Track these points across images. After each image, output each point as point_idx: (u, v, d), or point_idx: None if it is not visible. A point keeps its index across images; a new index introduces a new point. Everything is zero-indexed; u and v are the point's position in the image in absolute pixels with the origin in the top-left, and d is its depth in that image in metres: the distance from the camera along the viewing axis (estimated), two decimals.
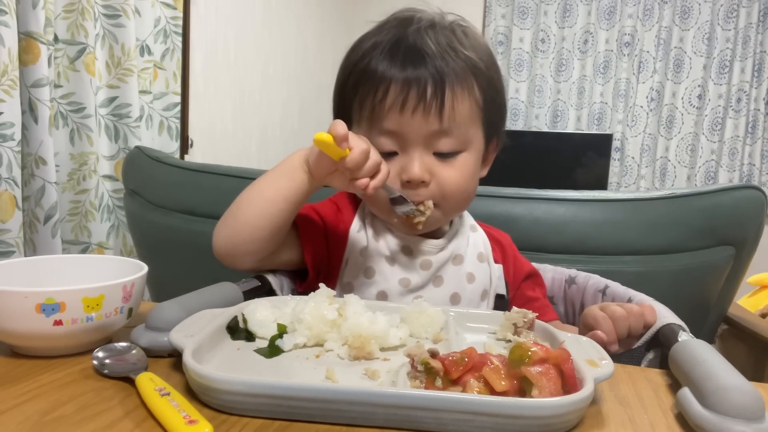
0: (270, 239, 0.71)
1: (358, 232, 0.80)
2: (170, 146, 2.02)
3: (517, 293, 0.85)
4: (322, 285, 0.64)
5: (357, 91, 0.75)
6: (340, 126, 0.62)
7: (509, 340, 0.62)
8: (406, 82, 0.70)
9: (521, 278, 0.86)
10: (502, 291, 0.82)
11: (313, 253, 0.77)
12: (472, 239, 0.83)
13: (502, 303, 0.81)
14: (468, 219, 0.86)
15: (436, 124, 0.71)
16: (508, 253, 0.87)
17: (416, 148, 0.72)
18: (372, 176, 0.66)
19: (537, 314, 0.64)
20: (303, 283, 0.79)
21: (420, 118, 0.70)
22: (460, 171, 0.74)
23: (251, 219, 0.70)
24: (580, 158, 3.25)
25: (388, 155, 0.73)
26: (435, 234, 0.80)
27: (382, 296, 0.76)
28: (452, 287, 0.78)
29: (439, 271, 0.78)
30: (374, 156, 0.65)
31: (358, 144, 0.64)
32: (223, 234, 0.72)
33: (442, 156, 0.73)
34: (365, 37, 0.77)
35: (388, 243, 0.78)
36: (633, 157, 3.44)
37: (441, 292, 0.78)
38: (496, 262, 0.83)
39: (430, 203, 0.72)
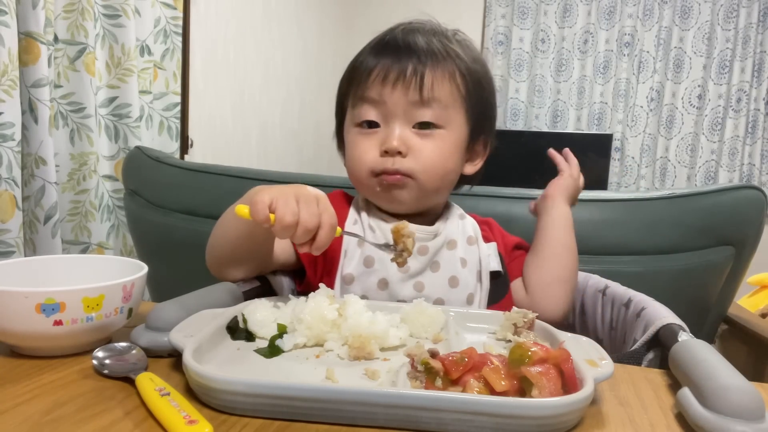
0: (253, 263, 0.74)
1: (353, 224, 0.82)
2: (170, 146, 2.02)
3: (512, 263, 0.87)
4: (322, 285, 0.65)
5: (349, 78, 0.81)
6: (261, 207, 0.58)
7: (509, 340, 0.62)
8: (390, 62, 0.77)
9: (510, 249, 0.89)
10: (497, 267, 0.83)
11: (308, 254, 0.77)
12: (461, 225, 0.85)
13: (498, 280, 0.83)
14: (456, 209, 0.88)
15: (416, 96, 0.76)
16: (495, 230, 0.90)
17: (397, 120, 0.77)
18: (313, 239, 0.61)
19: (537, 314, 0.64)
20: (302, 281, 0.80)
21: (400, 90, 0.76)
22: (436, 147, 0.77)
23: (226, 254, 0.73)
24: (580, 158, 3.21)
25: (371, 126, 0.78)
26: (428, 221, 0.82)
27: (383, 284, 0.77)
28: (449, 271, 0.79)
29: (436, 256, 0.80)
30: (306, 222, 0.59)
31: (281, 217, 0.59)
32: (209, 258, 0.75)
33: (422, 128, 0.77)
34: (364, 46, 0.83)
35: (384, 232, 0.79)
36: (633, 157, 3.44)
37: (439, 277, 0.79)
38: (487, 241, 0.86)
39: (410, 241, 0.68)
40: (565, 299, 0.81)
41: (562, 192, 0.87)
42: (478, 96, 0.80)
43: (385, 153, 0.76)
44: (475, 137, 0.82)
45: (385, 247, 0.69)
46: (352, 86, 0.80)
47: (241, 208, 0.61)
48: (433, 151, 0.77)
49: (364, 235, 0.80)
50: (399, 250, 0.68)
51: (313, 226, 0.60)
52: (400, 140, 0.76)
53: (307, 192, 0.62)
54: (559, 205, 0.85)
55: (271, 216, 0.59)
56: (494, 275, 0.83)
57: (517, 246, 0.89)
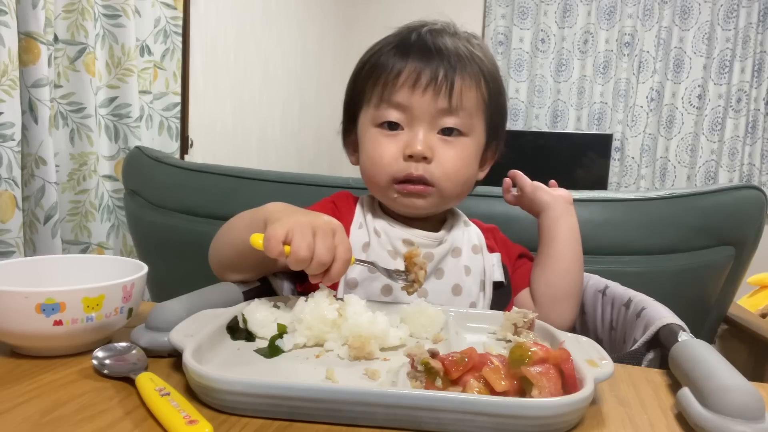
0: (256, 270, 0.74)
1: (359, 228, 0.81)
2: (170, 146, 2.02)
3: (516, 272, 0.87)
4: (322, 285, 0.64)
5: (371, 76, 0.78)
6: (275, 243, 0.58)
7: (509, 340, 0.62)
8: (421, 66, 0.75)
9: (514, 259, 0.88)
10: (500, 278, 0.83)
11: None
12: (467, 233, 0.84)
13: (501, 290, 0.82)
14: (461, 216, 0.88)
15: (445, 103, 0.74)
16: (499, 239, 0.89)
17: (422, 125, 0.76)
18: (327, 270, 0.60)
19: (537, 314, 0.64)
20: (302, 284, 0.80)
21: (430, 96, 0.74)
22: (460, 153, 0.77)
23: (230, 261, 0.72)
24: (580, 158, 3.24)
25: (393, 128, 0.76)
26: (432, 226, 0.82)
27: (387, 290, 0.77)
28: (453, 279, 0.79)
29: (440, 264, 0.79)
30: (321, 257, 0.59)
31: (296, 250, 0.58)
32: (212, 259, 0.75)
33: (446, 134, 0.76)
34: (379, 41, 0.81)
35: (390, 237, 0.79)
36: (633, 157, 3.44)
37: (443, 284, 0.79)
38: (492, 251, 0.85)
39: (423, 273, 0.68)
40: (574, 312, 0.81)
41: (569, 201, 0.84)
42: (497, 104, 0.80)
43: (409, 157, 0.75)
44: (489, 143, 0.82)
45: (396, 275, 0.69)
46: (376, 86, 0.77)
47: (255, 238, 0.60)
48: (456, 157, 0.76)
49: (369, 240, 0.79)
50: (410, 281, 0.68)
51: (328, 260, 0.59)
52: (426, 145, 0.74)
53: (323, 223, 0.61)
54: (567, 217, 0.83)
55: (286, 248, 0.58)
56: (497, 285, 0.82)
57: (520, 255, 0.89)
